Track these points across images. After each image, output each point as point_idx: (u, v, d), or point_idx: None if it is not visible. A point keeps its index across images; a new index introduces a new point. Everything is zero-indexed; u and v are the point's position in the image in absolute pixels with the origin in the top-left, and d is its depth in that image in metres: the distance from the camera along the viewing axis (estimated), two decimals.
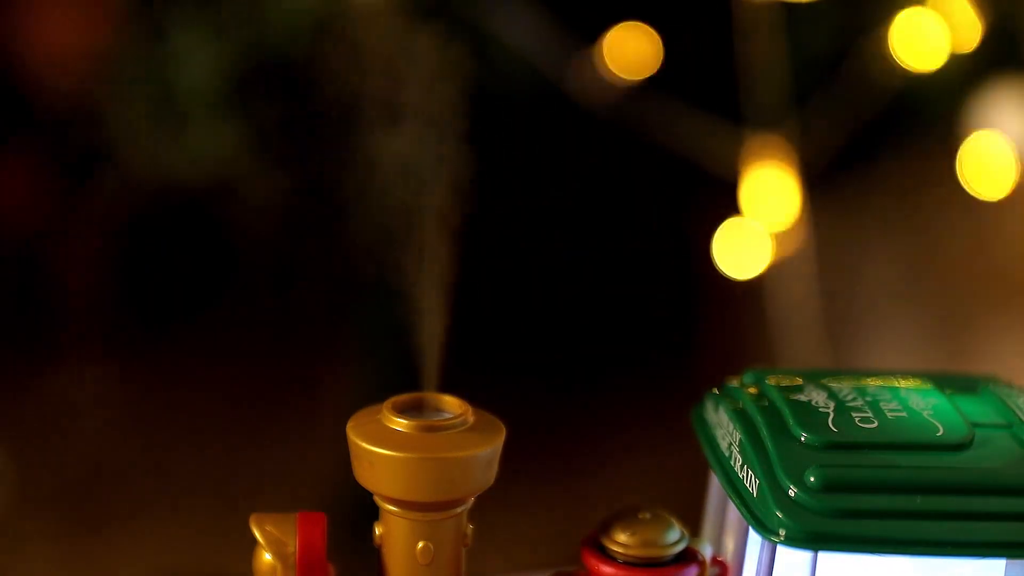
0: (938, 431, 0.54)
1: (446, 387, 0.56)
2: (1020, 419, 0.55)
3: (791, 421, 0.54)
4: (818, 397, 0.56)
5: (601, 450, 1.66)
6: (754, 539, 0.54)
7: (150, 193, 1.78)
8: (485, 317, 1.73)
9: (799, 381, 0.57)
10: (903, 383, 0.58)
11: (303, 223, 1.80)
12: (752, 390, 0.57)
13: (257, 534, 0.54)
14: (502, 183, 1.62)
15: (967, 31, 1.18)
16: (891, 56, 1.17)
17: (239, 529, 0.57)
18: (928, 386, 0.58)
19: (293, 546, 0.53)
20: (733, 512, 0.58)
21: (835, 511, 0.50)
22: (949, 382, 0.59)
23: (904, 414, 0.55)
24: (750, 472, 0.53)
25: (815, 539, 0.51)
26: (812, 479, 0.51)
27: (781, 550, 0.52)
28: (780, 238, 1.19)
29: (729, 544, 0.59)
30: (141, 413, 1.74)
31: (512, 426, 0.55)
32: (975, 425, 0.55)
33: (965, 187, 1.19)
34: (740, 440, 0.54)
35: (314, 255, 1.83)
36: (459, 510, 0.54)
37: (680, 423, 0.64)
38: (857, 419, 0.54)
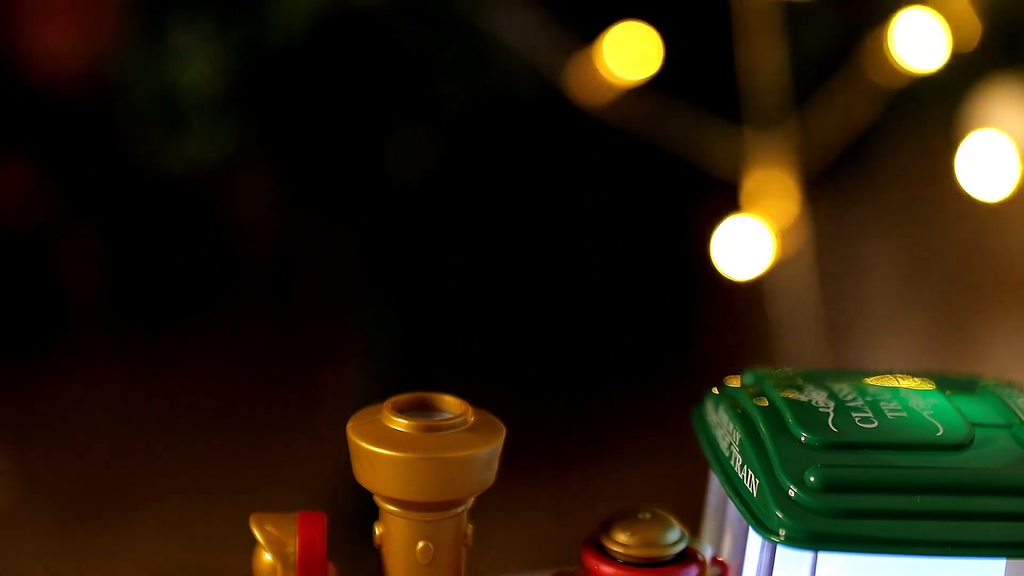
0: (938, 431, 0.54)
1: (446, 387, 0.56)
2: (1020, 419, 0.55)
3: (791, 421, 0.54)
4: (818, 397, 0.56)
5: (601, 450, 1.66)
6: (754, 539, 0.54)
7: (151, 193, 1.78)
8: (485, 317, 1.73)
9: (799, 381, 0.57)
10: (903, 383, 0.58)
11: (303, 223, 1.80)
12: (752, 390, 0.57)
13: (257, 534, 0.54)
14: (502, 183, 1.63)
15: (967, 31, 1.18)
16: (891, 56, 1.17)
17: (239, 528, 0.57)
18: (928, 386, 0.58)
19: (293, 546, 0.53)
20: (733, 512, 0.58)
21: (835, 511, 0.50)
22: (949, 382, 0.59)
23: (904, 414, 0.55)
24: (750, 472, 0.53)
25: (815, 539, 0.51)
26: (812, 479, 0.51)
27: (781, 550, 0.52)
28: (780, 238, 1.18)
29: (729, 544, 0.59)
30: (141, 412, 1.74)
31: (512, 426, 0.55)
32: (975, 425, 0.55)
33: (965, 187, 1.19)
34: (740, 440, 0.54)
35: (314, 255, 1.83)
36: (459, 510, 0.54)
37: (680, 423, 0.64)
38: (857, 419, 0.54)
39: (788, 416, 0.54)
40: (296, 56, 1.35)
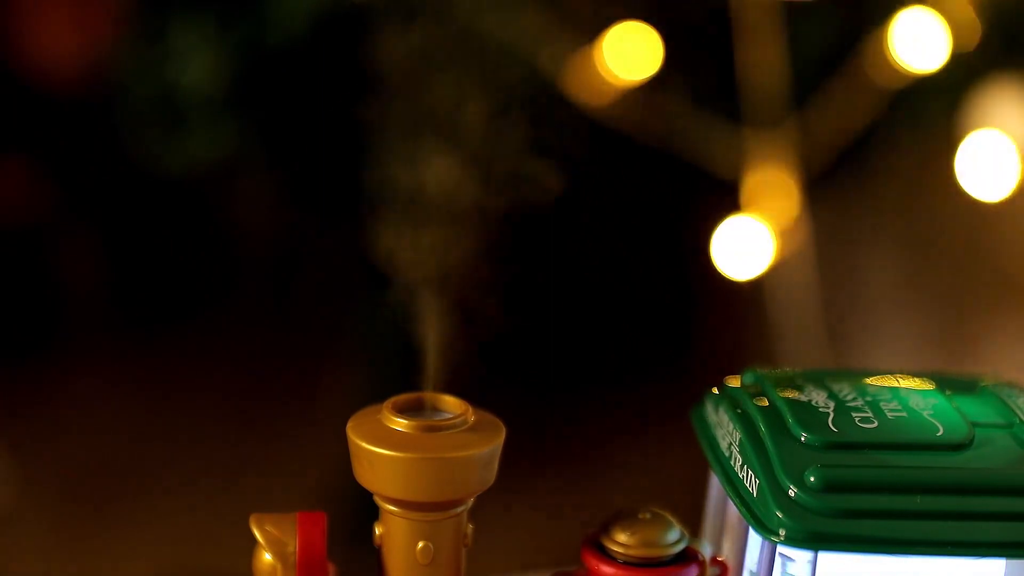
0: (938, 431, 0.54)
1: (446, 387, 0.56)
2: (1020, 419, 0.55)
3: (791, 421, 0.54)
4: (818, 397, 0.56)
5: (601, 450, 1.66)
6: (754, 539, 0.54)
7: (151, 193, 1.78)
8: (485, 317, 1.73)
9: (799, 381, 0.57)
10: (903, 383, 0.58)
11: (303, 223, 1.80)
12: (752, 390, 0.57)
13: (257, 534, 0.54)
14: (502, 183, 1.62)
15: (967, 31, 1.18)
16: (891, 56, 1.17)
17: (239, 528, 0.57)
18: (928, 386, 0.58)
19: (293, 546, 0.53)
20: (733, 512, 0.58)
21: (835, 511, 0.50)
22: (949, 382, 0.59)
23: (904, 414, 0.55)
24: (750, 472, 0.53)
25: (815, 539, 0.51)
26: (812, 479, 0.51)
27: (781, 550, 0.52)
28: (780, 238, 1.18)
29: (729, 544, 0.59)
30: (141, 412, 1.74)
31: (512, 426, 0.55)
32: (975, 425, 0.55)
33: (965, 187, 1.19)
34: (740, 440, 0.54)
35: (314, 255, 1.83)
36: (459, 510, 0.54)
37: (680, 423, 0.64)
38: (857, 419, 0.54)
39: (788, 416, 0.54)
40: (296, 56, 1.35)
